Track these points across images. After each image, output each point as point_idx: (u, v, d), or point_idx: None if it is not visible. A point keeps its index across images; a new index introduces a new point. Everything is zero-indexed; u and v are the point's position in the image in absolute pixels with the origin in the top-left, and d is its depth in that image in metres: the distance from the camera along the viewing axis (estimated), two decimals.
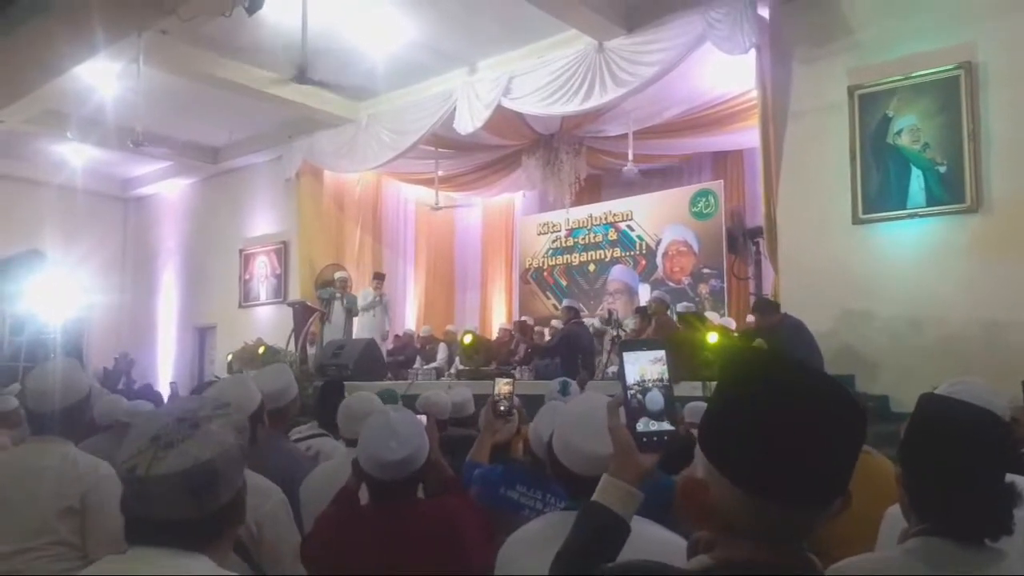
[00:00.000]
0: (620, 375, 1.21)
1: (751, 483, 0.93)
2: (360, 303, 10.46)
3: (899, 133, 6.87)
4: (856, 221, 7.00)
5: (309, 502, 2.55)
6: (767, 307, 6.69)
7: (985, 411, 1.52)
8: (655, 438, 1.17)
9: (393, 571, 2.02)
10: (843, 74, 7.14)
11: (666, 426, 1.18)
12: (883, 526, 1.99)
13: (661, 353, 1.21)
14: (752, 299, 7.70)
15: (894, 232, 6.87)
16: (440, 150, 10.92)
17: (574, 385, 4.29)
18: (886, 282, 6.79)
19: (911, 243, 6.77)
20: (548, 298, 12.47)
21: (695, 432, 1.14)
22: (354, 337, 9.90)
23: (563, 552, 1.19)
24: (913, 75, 6.81)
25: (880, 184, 6.92)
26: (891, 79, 6.90)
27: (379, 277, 10.87)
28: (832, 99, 7.16)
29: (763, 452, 0.92)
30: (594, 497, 1.18)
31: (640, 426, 1.17)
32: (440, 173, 11.29)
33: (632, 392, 1.18)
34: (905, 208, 6.79)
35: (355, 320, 10.48)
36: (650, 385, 1.19)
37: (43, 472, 2.35)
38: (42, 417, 2.43)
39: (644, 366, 1.20)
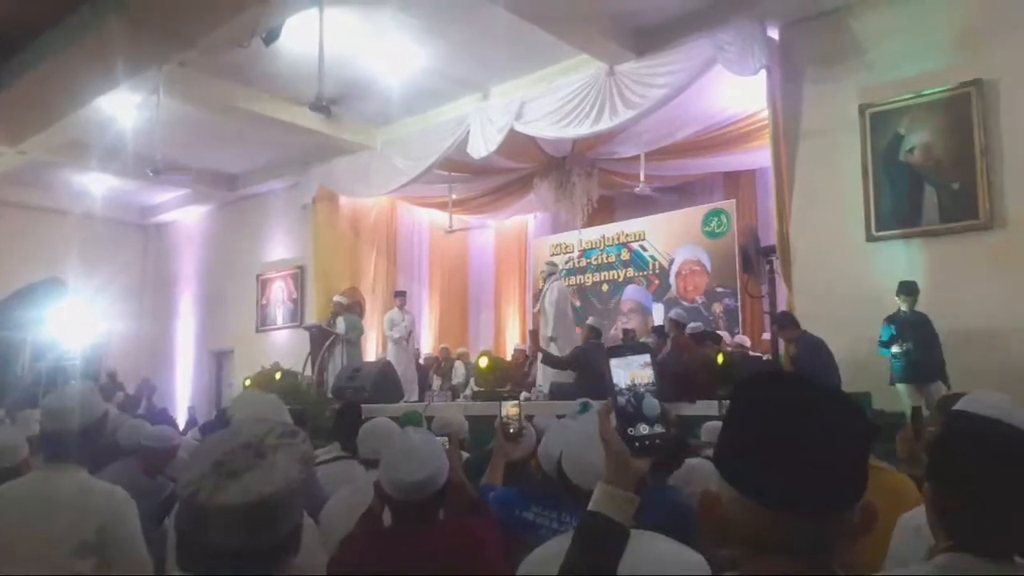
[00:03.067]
0: (607, 380, 1.20)
1: (759, 494, 0.95)
2: (387, 327, 10.60)
3: (911, 151, 6.90)
4: (870, 239, 7.02)
5: (331, 525, 2.59)
6: (789, 321, 6.70)
7: (1017, 429, 1.54)
8: (647, 442, 1.16)
9: None
10: (854, 93, 7.19)
11: (658, 429, 1.17)
12: (895, 536, 2.00)
13: (647, 357, 1.21)
14: (767, 317, 7.70)
15: (908, 249, 6.88)
16: (453, 174, 11.03)
17: (595, 406, 4.30)
18: None
19: (925, 260, 6.78)
20: None
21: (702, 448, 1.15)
22: (371, 360, 9.97)
23: (566, 563, 1.18)
24: (924, 93, 6.85)
25: (893, 202, 6.94)
26: (902, 98, 6.95)
27: (400, 295, 10.95)
28: (843, 118, 7.21)
29: (766, 462, 0.94)
30: (591, 507, 1.17)
31: (631, 431, 1.16)
32: (454, 197, 11.40)
33: (626, 397, 1.18)
34: (919, 225, 6.81)
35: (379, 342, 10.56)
36: (641, 389, 1.18)
37: (57, 505, 2.29)
38: (58, 436, 2.39)
39: (635, 371, 1.19)
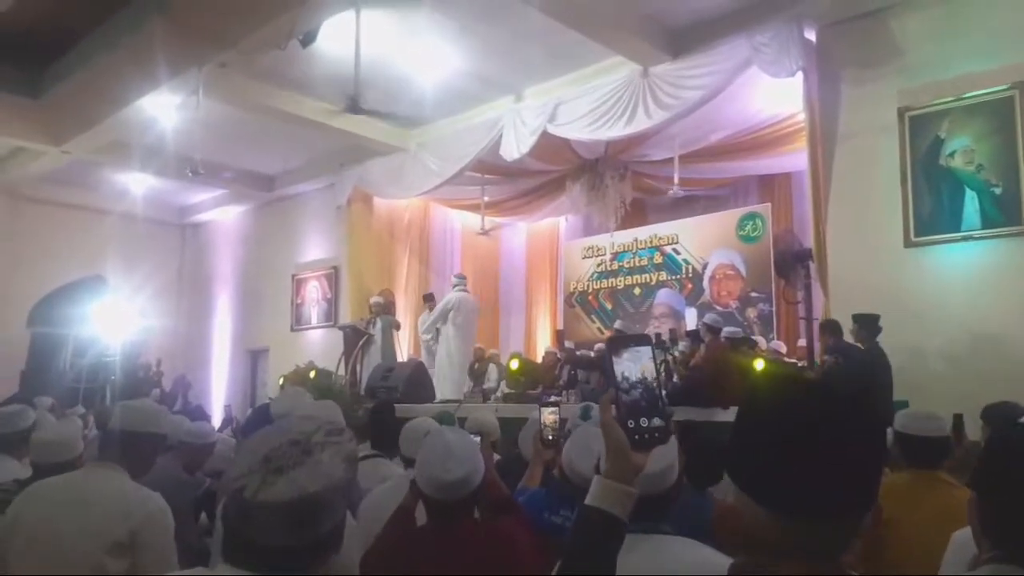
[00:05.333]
0: (608, 372, 1.20)
1: (772, 500, 0.96)
2: (421, 328, 10.67)
3: (952, 155, 6.77)
4: (908, 244, 6.90)
5: (367, 521, 2.62)
6: (836, 328, 6.63)
7: None
8: (646, 435, 1.15)
9: None
10: (893, 96, 7.08)
11: (657, 422, 1.16)
12: (949, 550, 1.98)
13: (649, 349, 1.21)
14: (802, 323, 7.62)
15: (948, 255, 6.75)
16: (486, 176, 11.06)
17: (596, 410, 4.27)
18: (940, 306, 6.67)
19: (966, 266, 6.65)
20: (593, 322, 12.47)
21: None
22: (403, 360, 10.03)
23: (565, 559, 1.18)
24: (965, 96, 6.72)
25: (933, 207, 6.82)
26: (943, 100, 6.83)
27: (430, 299, 10.98)
28: (882, 121, 7.09)
29: (779, 470, 0.95)
30: (588, 501, 1.16)
31: (631, 423, 1.16)
32: (486, 198, 11.43)
33: (639, 390, 1.17)
34: (959, 231, 6.68)
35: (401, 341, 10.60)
36: (651, 382, 1.18)
37: (94, 502, 2.36)
38: (114, 437, 2.53)
39: (644, 363, 1.19)
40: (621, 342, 1.21)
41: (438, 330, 10.40)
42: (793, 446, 0.95)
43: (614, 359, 1.19)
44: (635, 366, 1.19)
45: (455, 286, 10.11)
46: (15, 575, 2.31)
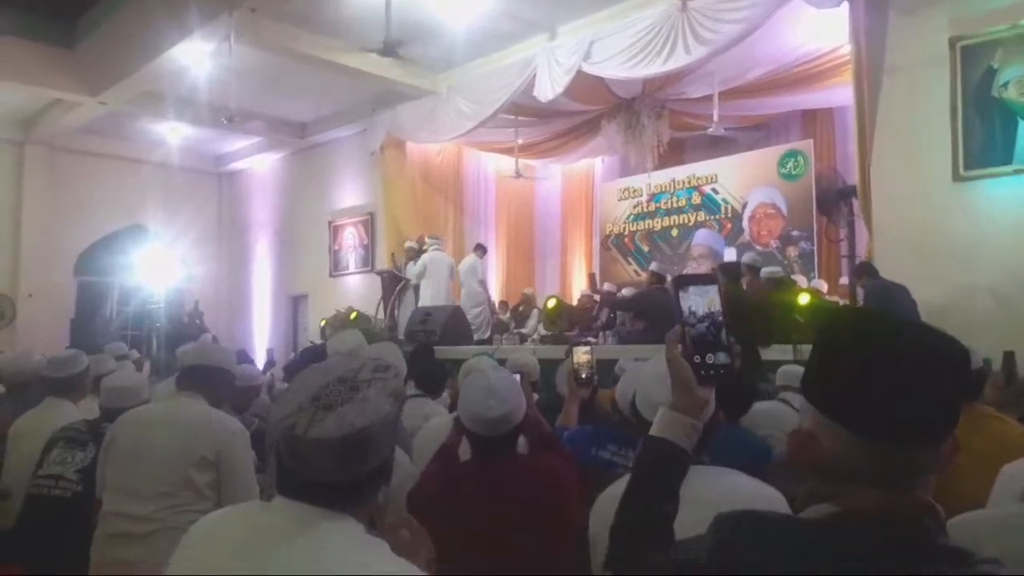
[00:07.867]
0: (675, 308, 1.22)
1: (866, 424, 0.96)
2: (462, 269, 10.54)
3: (1005, 85, 6.51)
4: (957, 179, 6.69)
5: (421, 456, 2.70)
6: (871, 271, 6.52)
7: None
8: (712, 371, 1.19)
9: (495, 523, 2.12)
10: (944, 25, 6.79)
11: (723, 358, 1.19)
12: (998, 482, 1.97)
13: (715, 288, 1.24)
14: (844, 260, 7.49)
15: (999, 189, 6.54)
16: (520, 118, 10.91)
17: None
18: (990, 242, 6.49)
19: (1017, 200, 6.43)
20: (629, 264, 12.40)
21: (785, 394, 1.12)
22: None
23: (630, 487, 1.21)
24: (1021, 24, 6.42)
25: (984, 139, 6.59)
26: (996, 29, 6.52)
27: (478, 249, 10.88)
28: (932, 52, 6.82)
29: (876, 393, 0.95)
30: (653, 431, 1.20)
31: (697, 359, 1.19)
32: (520, 141, 11.30)
33: (705, 324, 1.20)
34: (1011, 164, 6.46)
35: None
36: (717, 317, 1.21)
37: (183, 424, 2.65)
38: (191, 371, 2.81)
39: (712, 297, 1.22)
40: (688, 279, 1.24)
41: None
42: (880, 370, 0.96)
43: (680, 294, 1.22)
44: (702, 300, 1.21)
45: (430, 247, 10.31)
46: (112, 487, 2.62)
